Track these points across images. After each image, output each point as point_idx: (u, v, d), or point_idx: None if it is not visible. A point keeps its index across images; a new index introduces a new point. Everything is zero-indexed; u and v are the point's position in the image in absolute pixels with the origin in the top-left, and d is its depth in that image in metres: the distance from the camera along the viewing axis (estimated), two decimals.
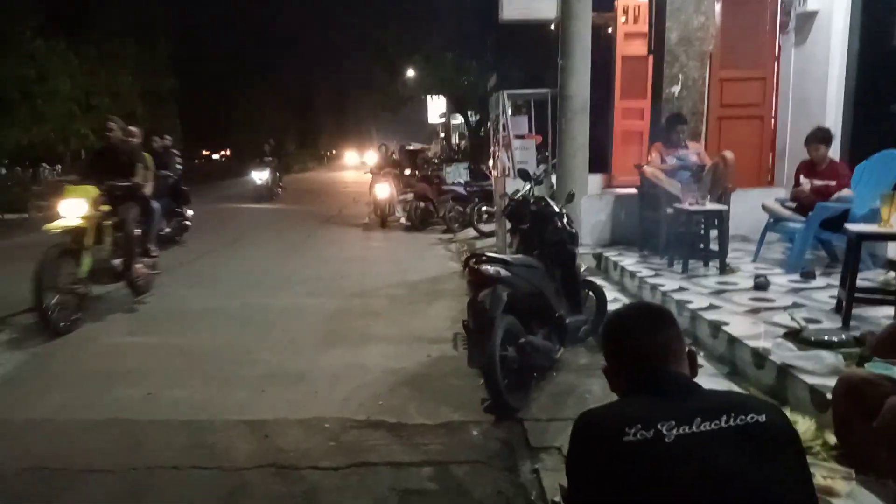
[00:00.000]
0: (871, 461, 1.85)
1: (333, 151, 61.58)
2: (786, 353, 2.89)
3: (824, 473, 2.16)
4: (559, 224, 4.08)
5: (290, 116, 47.96)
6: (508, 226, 6.26)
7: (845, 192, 4.96)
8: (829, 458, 2.30)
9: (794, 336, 3.10)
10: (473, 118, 22.15)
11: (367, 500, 2.61)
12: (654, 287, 4.77)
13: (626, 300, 5.13)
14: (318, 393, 3.80)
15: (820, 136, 5.25)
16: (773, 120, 7.07)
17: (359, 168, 35.34)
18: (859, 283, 4.43)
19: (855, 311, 3.55)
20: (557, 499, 2.46)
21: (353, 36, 28.06)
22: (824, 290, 4.41)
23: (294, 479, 2.81)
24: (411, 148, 24.86)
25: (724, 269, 5.09)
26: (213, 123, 35.02)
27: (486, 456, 2.95)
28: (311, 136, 54.26)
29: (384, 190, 12.01)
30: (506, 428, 3.25)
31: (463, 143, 29.17)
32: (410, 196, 12.35)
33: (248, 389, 3.86)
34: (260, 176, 17.28)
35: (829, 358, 2.75)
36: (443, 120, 33.73)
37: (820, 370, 2.75)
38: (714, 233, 5.47)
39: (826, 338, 2.91)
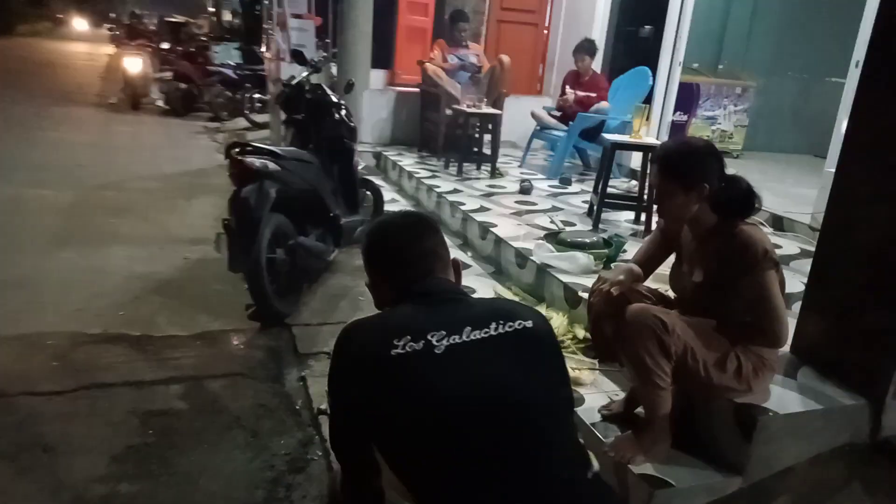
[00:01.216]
0: (613, 353, 2.02)
1: (72, 17, 51.43)
2: (545, 253, 3.05)
3: (573, 365, 2.33)
4: (337, 116, 3.78)
5: None
6: (283, 116, 5.77)
7: (603, 105, 5.36)
8: (577, 351, 2.49)
9: (553, 238, 3.29)
10: None
11: (99, 427, 2.23)
12: (430, 189, 4.76)
13: (404, 202, 5.09)
14: (43, 303, 3.16)
15: (586, 48, 5.55)
16: (546, 29, 7.33)
17: (102, 40, 30.21)
18: (608, 189, 4.93)
19: (603, 216, 3.90)
20: (324, 406, 2.35)
21: None
22: (578, 196, 4.80)
23: (3, 407, 2.30)
24: (173, 20, 21.69)
25: (494, 173, 5.28)
26: None
27: (248, 367, 2.71)
28: None
29: (135, 64, 10.32)
30: (272, 335, 3.03)
31: (236, 20, 26.27)
32: (170, 75, 10.80)
33: None
34: None
35: (582, 259, 2.96)
36: None
37: (573, 270, 2.95)
38: (487, 137, 5.61)
39: (580, 239, 3.12)
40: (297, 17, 6.72)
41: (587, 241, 3.11)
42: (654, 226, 3.79)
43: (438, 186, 4.74)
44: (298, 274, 3.33)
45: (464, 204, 4.24)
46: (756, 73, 7.04)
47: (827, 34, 7.57)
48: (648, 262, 2.10)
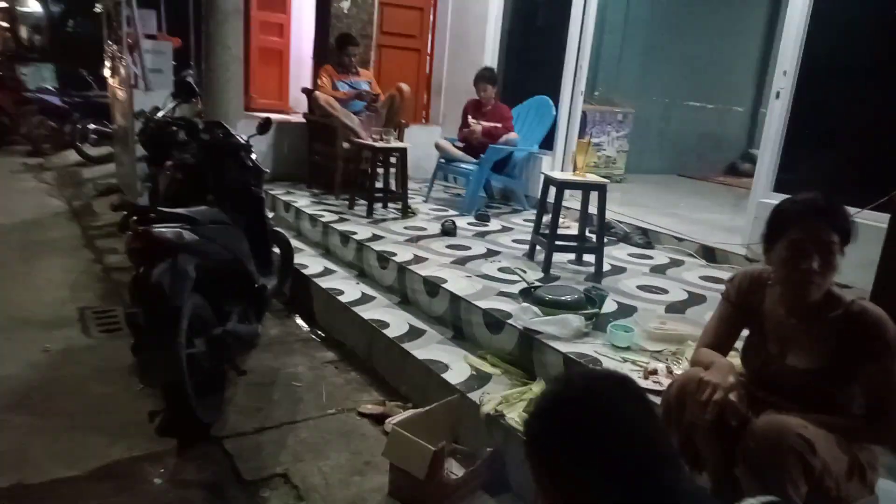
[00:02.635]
0: (700, 464, 1.66)
1: None
2: (529, 318, 2.64)
3: None
4: (248, 162, 3.10)
5: None
6: (141, 153, 4.87)
7: (512, 136, 5.11)
8: None
9: (528, 295, 2.90)
10: (55, 6, 17.48)
11: None
12: (346, 236, 4.16)
13: (309, 248, 4.43)
14: None
15: (487, 77, 5.29)
16: (429, 55, 7.01)
17: None
18: (523, 224, 4.68)
19: (541, 257, 3.62)
20: None
21: None
22: (504, 234, 4.47)
23: None
24: None
25: (406, 211, 4.80)
26: None
27: None
28: None
29: None
30: (201, 458, 2.30)
31: (38, 37, 22.95)
32: None
33: None
34: None
35: (575, 322, 2.60)
36: (3, 5, 26.00)
37: (565, 335, 2.58)
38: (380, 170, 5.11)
39: (562, 298, 2.76)
40: (151, 37, 5.77)
41: (568, 298, 2.76)
42: (604, 268, 3.56)
43: (355, 233, 4.16)
44: (221, 367, 2.62)
45: (394, 254, 3.72)
46: (625, 99, 7.27)
47: (685, 60, 8.11)
48: (723, 346, 1.77)
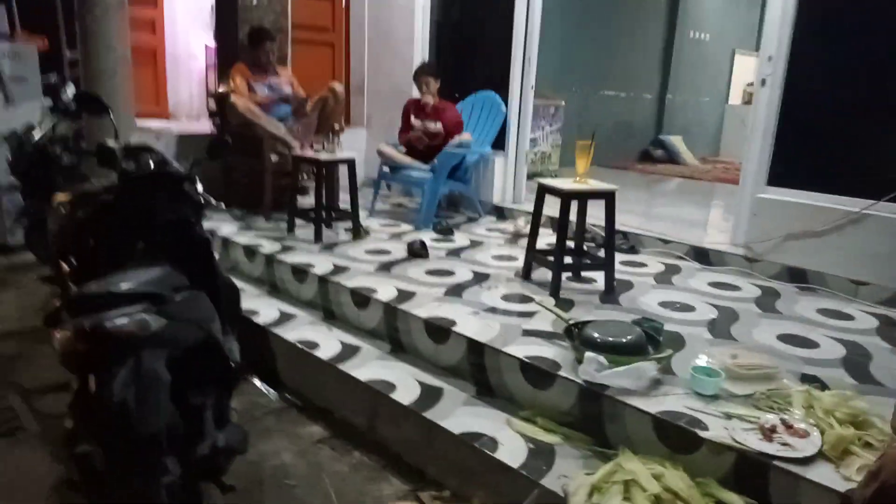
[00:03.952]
0: None
1: None
2: (594, 370, 2.14)
3: None
4: (196, 197, 2.33)
5: None
6: (11, 183, 3.93)
7: (466, 137, 4.59)
8: None
9: (571, 336, 2.40)
10: None
11: None
12: (301, 270, 3.45)
13: (250, 287, 3.66)
14: None
15: (428, 70, 4.73)
16: (344, 51, 6.30)
17: None
18: (489, 234, 4.13)
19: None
20: None
21: None
22: (477, 250, 3.94)
23: None
24: None
25: (359, 232, 4.14)
26: None
27: None
28: None
29: None
30: None
31: None
32: None
33: None
34: None
35: (651, 370, 2.14)
36: None
37: (639, 387, 2.11)
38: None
39: (623, 338, 2.28)
40: (6, 38, 4.64)
41: (629, 338, 2.29)
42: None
43: (311, 265, 3.45)
44: (199, 490, 1.89)
45: (374, 290, 3.08)
46: (554, 92, 6.98)
47: (599, 49, 7.98)
48: None
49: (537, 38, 4.82)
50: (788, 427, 1.89)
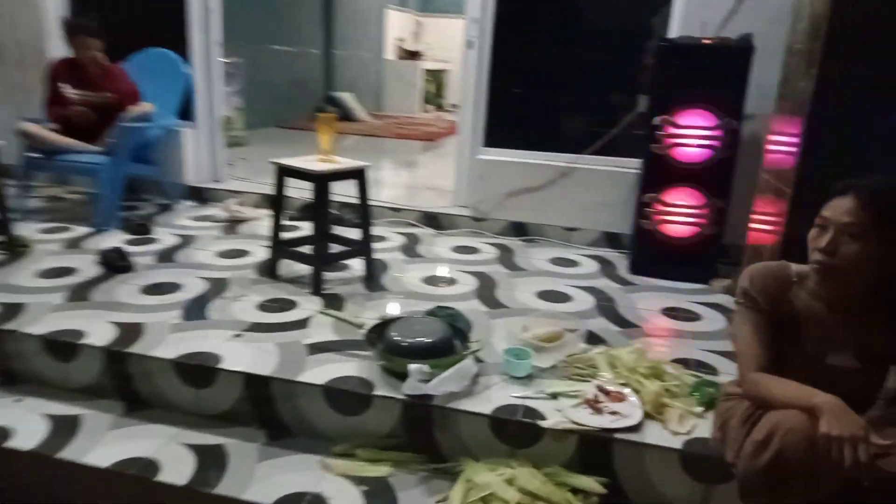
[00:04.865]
0: None
1: None
2: (419, 382, 1.89)
3: None
4: None
5: None
6: None
7: (147, 107, 3.69)
8: None
9: (372, 344, 2.09)
10: None
11: None
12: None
13: None
14: None
15: (88, 27, 3.64)
16: None
17: None
18: (196, 224, 3.47)
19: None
20: None
21: None
22: (192, 248, 3.26)
23: None
24: None
25: (15, 245, 3.03)
26: None
27: None
28: None
29: None
30: None
31: None
32: None
33: None
34: None
35: (473, 366, 1.99)
36: None
37: (463, 386, 1.95)
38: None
39: (433, 338, 2.05)
40: None
41: (440, 336, 2.07)
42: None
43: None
44: None
45: (81, 333, 2.25)
46: (228, 48, 6.21)
47: (281, 2, 7.34)
48: (772, 363, 1.51)
49: None
50: (607, 393, 1.96)
